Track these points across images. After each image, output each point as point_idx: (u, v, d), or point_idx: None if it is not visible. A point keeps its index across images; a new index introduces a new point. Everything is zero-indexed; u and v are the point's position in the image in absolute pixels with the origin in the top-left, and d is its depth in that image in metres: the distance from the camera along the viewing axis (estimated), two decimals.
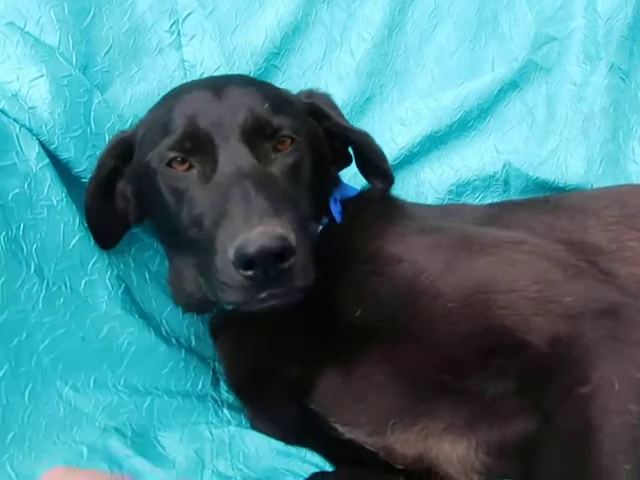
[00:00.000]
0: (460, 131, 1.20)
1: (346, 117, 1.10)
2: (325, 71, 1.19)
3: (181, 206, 0.83)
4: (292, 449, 0.90)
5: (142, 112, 1.11)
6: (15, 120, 0.90)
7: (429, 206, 1.12)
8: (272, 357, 0.88)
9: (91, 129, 0.97)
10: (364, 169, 0.98)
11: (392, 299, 0.81)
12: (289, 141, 0.85)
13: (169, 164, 0.83)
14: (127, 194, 0.93)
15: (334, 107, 0.98)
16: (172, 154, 0.83)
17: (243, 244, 0.71)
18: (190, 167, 0.83)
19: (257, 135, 0.84)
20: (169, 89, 1.15)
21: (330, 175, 0.96)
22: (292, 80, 1.18)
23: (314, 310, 0.84)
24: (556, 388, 0.73)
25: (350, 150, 0.98)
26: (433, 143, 1.19)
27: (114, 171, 0.92)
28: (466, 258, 0.83)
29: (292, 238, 0.72)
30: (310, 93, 0.97)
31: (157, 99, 1.11)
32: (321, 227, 0.92)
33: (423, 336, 0.79)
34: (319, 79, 1.19)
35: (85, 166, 0.95)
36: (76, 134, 0.95)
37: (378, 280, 0.83)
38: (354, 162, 1.00)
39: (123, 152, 0.91)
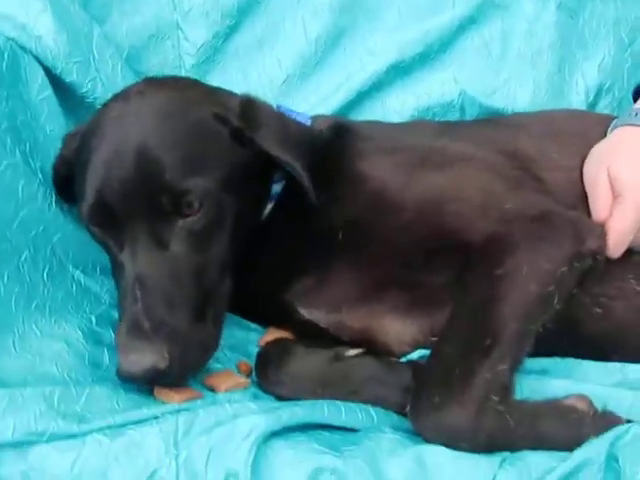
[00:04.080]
0: (422, 62, 1.29)
1: (320, 49, 1.25)
2: (302, 7, 1.28)
3: (106, 251, 0.92)
4: (253, 325, 1.06)
5: (137, 43, 1.25)
6: (23, 48, 1.01)
7: (384, 124, 1.21)
8: (261, 254, 1.00)
9: (94, 56, 1.10)
10: None
11: (362, 213, 0.95)
12: (197, 205, 0.84)
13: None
14: None
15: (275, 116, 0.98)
16: (87, 222, 0.89)
17: (120, 370, 0.80)
18: (104, 233, 0.89)
19: (160, 205, 0.84)
20: (160, 21, 1.29)
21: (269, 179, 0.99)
22: (272, 15, 1.29)
23: (301, 225, 0.97)
24: (477, 270, 0.88)
25: None
26: (398, 73, 1.29)
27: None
28: (422, 174, 0.97)
29: (163, 363, 0.78)
30: (249, 101, 0.95)
31: (151, 30, 1.25)
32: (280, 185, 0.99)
33: (383, 241, 0.93)
34: (296, 14, 1.29)
35: (88, 88, 1.08)
36: (79, 59, 1.07)
37: (350, 199, 0.96)
38: None
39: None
